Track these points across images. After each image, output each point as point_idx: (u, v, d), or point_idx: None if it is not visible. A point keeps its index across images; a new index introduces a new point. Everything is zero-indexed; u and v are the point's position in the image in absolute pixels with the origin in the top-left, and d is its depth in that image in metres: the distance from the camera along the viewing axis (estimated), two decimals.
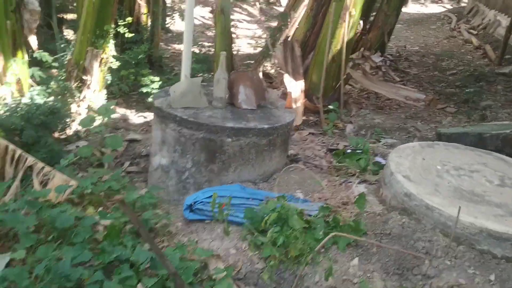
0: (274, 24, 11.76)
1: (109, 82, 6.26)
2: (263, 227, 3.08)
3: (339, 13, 6.05)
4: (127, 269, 2.66)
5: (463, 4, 20.11)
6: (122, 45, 7.69)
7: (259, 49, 10.61)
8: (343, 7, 5.98)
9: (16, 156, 4.00)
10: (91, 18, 5.62)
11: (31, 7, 5.56)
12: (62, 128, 5.31)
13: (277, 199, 3.33)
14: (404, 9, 20.87)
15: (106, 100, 6.04)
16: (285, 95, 5.05)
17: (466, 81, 9.55)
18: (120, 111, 6.42)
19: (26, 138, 4.26)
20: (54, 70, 6.43)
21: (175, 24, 11.71)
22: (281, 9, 13.47)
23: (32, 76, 5.51)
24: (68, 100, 5.39)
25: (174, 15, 11.64)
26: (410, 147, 4.26)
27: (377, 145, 5.36)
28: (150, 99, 6.42)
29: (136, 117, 6.29)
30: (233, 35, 11.85)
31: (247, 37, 13.56)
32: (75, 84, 5.64)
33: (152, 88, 6.64)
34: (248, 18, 16.15)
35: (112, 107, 4.74)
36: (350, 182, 4.04)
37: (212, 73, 7.07)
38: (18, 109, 4.50)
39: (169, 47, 11.08)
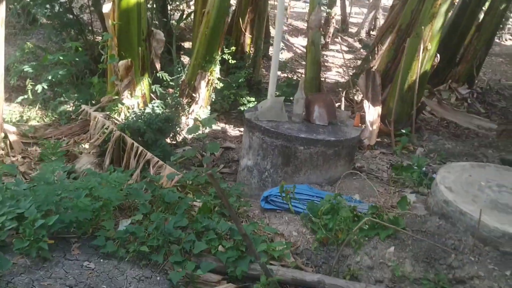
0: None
1: (213, 100, 7.31)
2: (319, 216, 3.82)
3: (416, 47, 6.62)
4: (212, 234, 3.52)
5: None
6: (227, 70, 8.78)
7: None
8: (419, 42, 6.55)
9: (139, 151, 5.09)
10: (203, 46, 6.72)
11: (158, 37, 6.76)
12: (173, 135, 6.39)
13: (334, 196, 4.05)
14: (507, 43, 20.34)
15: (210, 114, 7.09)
16: (354, 115, 5.74)
17: None
18: (221, 125, 7.44)
19: (146, 139, 5.35)
20: (170, 90, 7.62)
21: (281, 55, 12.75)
22: None
23: (154, 92, 6.68)
24: (180, 112, 6.48)
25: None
26: (460, 165, 4.76)
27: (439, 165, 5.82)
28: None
29: (233, 131, 7.26)
30: (329, 64, 12.62)
31: (340, 66, 14.25)
32: (186, 100, 6.73)
33: (249, 107, 7.58)
34: (346, 49, 16.83)
35: (214, 119, 5.73)
36: (404, 192, 4.64)
37: None
38: (142, 116, 5.61)
39: (269, 73, 12.12)
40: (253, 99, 7.81)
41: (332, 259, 3.69)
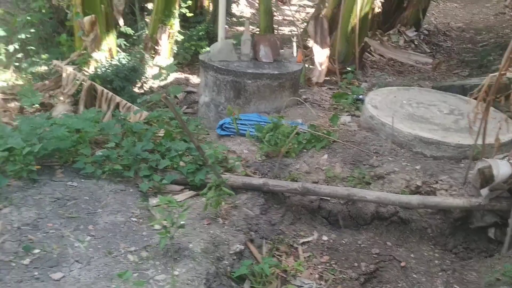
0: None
1: (175, 51, 7.80)
2: (263, 134, 4.47)
3: None
4: (174, 153, 4.14)
5: None
6: (189, 25, 9.22)
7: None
8: None
9: (109, 97, 5.63)
10: (162, 2, 7.18)
11: None
12: (141, 86, 6.92)
13: (278, 118, 4.70)
14: None
15: None
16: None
17: (492, 51, 10.23)
18: (184, 75, 7.97)
19: (115, 86, 5.87)
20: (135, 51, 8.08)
21: (239, 8, 13.16)
22: None
23: (119, 46, 7.14)
24: (145, 63, 6.99)
25: (239, 1, 13.15)
26: (388, 89, 5.45)
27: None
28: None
29: (196, 79, 7.79)
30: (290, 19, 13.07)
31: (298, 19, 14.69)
32: (150, 53, 7.22)
33: None
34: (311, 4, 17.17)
35: (174, 65, 6.27)
36: (341, 115, 5.31)
37: None
38: (110, 67, 6.11)
39: (232, 29, 12.57)
40: None
41: (276, 168, 4.37)
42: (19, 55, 7.65)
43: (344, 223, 4.07)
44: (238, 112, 4.67)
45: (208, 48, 8.21)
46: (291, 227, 4.01)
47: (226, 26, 6.70)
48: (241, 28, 11.95)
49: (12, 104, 6.56)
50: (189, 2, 8.45)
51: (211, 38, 9.34)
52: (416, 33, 11.27)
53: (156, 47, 7.22)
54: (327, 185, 4.10)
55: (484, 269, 3.54)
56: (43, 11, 7.77)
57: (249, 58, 5.43)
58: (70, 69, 5.94)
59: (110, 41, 6.73)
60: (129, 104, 5.37)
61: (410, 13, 11.37)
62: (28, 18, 7.26)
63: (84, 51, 6.30)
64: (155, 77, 6.05)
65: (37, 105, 6.15)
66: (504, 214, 3.61)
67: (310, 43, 9.63)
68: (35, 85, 6.83)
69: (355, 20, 7.37)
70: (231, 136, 4.88)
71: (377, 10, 10.55)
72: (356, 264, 3.74)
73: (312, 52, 7.69)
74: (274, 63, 5.44)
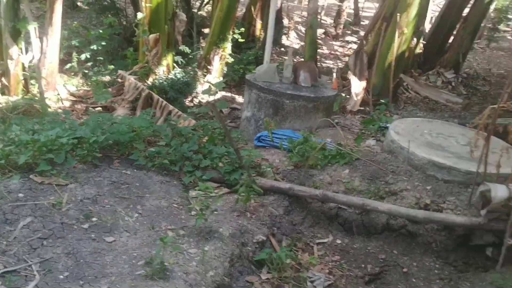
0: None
1: (225, 72, 8.49)
2: (295, 146, 4.99)
3: (394, 31, 7.69)
4: (215, 155, 4.71)
5: None
6: (240, 50, 9.94)
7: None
8: (396, 27, 7.63)
9: (163, 105, 6.31)
10: (217, 27, 7.90)
11: (181, 18, 7.94)
12: (191, 99, 7.61)
13: (308, 134, 5.21)
14: None
15: None
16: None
17: None
18: (231, 95, 8.64)
19: (169, 97, 6.57)
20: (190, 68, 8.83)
21: (289, 39, 13.89)
22: None
23: (176, 62, 7.89)
24: (197, 80, 7.70)
25: (290, 33, 13.93)
26: (412, 119, 5.86)
27: None
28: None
29: (241, 99, 8.42)
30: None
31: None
32: (202, 71, 7.94)
33: None
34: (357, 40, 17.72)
35: (223, 82, 6.92)
36: (366, 138, 5.77)
37: None
38: (166, 80, 6.82)
39: (280, 58, 13.26)
40: None
41: (303, 178, 4.86)
42: (89, 64, 8.54)
43: (357, 230, 4.49)
44: (275, 124, 5.22)
45: (254, 70, 8.90)
46: (310, 229, 4.47)
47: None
48: (286, 57, 12.62)
49: (79, 106, 7.38)
50: (242, 29, 9.18)
51: (259, 63, 10.00)
52: (455, 75, 11.55)
53: (208, 66, 7.92)
54: (346, 193, 4.56)
55: (477, 280, 3.88)
56: (113, 26, 8.68)
57: (290, 81, 6.00)
58: (132, 78, 6.68)
59: (169, 57, 7.48)
60: (180, 112, 6.02)
61: (450, 56, 11.68)
62: (101, 31, 8.16)
63: (146, 64, 7.06)
64: (205, 92, 6.70)
65: (99, 108, 6.92)
66: (501, 235, 3.95)
67: (349, 75, 10.18)
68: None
69: (392, 57, 7.86)
70: (267, 147, 5.41)
71: (418, 50, 11.03)
72: (363, 265, 4.14)
73: (350, 83, 8.21)
74: (311, 88, 5.98)
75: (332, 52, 14.31)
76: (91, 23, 10.08)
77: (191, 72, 7.67)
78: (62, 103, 6.83)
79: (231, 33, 8.24)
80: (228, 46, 8.15)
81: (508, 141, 4.09)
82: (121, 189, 4.13)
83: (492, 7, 18.09)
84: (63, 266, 2.98)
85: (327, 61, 12.62)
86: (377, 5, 20.43)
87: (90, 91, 8.03)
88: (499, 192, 3.76)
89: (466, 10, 11.67)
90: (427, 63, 11.57)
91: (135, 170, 4.48)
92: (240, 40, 8.90)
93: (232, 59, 8.55)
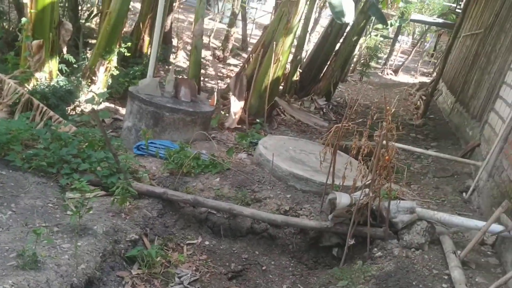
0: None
1: (110, 83, 8.60)
2: (170, 155, 5.35)
3: (271, 58, 8.46)
4: (94, 159, 4.90)
5: None
6: (127, 64, 10.08)
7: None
8: (273, 55, 8.40)
9: (43, 110, 6.30)
10: (104, 39, 8.03)
11: (66, 27, 7.92)
12: (74, 108, 7.61)
13: (183, 145, 5.61)
14: (387, 77, 23.48)
15: None
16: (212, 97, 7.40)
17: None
18: (116, 106, 8.76)
19: (50, 103, 6.56)
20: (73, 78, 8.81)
21: (178, 58, 14.29)
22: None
23: (60, 70, 7.85)
24: (81, 89, 7.73)
25: (178, 53, 14.31)
26: (280, 137, 6.54)
27: None
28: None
29: (124, 110, 8.57)
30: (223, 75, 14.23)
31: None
32: (87, 81, 7.99)
33: None
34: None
35: (106, 93, 7.07)
36: (238, 152, 6.32)
37: None
38: (48, 86, 6.80)
39: (166, 75, 13.55)
40: None
41: (177, 184, 5.23)
42: None
43: (224, 233, 4.93)
44: (151, 134, 5.53)
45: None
46: (181, 231, 4.81)
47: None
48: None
49: None
50: (129, 44, 9.37)
51: (145, 78, 10.26)
52: (326, 102, 12.75)
53: (93, 77, 7.99)
54: (216, 199, 5.00)
55: (323, 275, 4.51)
56: None
57: (171, 95, 6.37)
58: (12, 82, 6.57)
59: (52, 64, 7.44)
60: (61, 119, 6.07)
61: (323, 85, 12.86)
62: None
63: (28, 70, 6.98)
64: (88, 101, 6.80)
65: None
66: (345, 237, 4.63)
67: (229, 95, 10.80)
68: None
69: (268, 81, 8.59)
70: (145, 155, 5.70)
71: (295, 78, 12.04)
72: (227, 264, 4.58)
73: (230, 102, 8.77)
74: (190, 103, 6.40)
75: (218, 73, 14.96)
76: None
77: (75, 81, 7.68)
78: None
79: (117, 46, 8.39)
80: (114, 58, 8.28)
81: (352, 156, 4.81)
82: None
83: (364, 44, 20.32)
84: None
85: (211, 82, 13.19)
86: None
87: None
88: (342, 199, 4.43)
89: (338, 45, 13.01)
90: (303, 90, 12.62)
91: (10, 171, 4.50)
92: (127, 54, 9.07)
93: (118, 72, 8.69)
